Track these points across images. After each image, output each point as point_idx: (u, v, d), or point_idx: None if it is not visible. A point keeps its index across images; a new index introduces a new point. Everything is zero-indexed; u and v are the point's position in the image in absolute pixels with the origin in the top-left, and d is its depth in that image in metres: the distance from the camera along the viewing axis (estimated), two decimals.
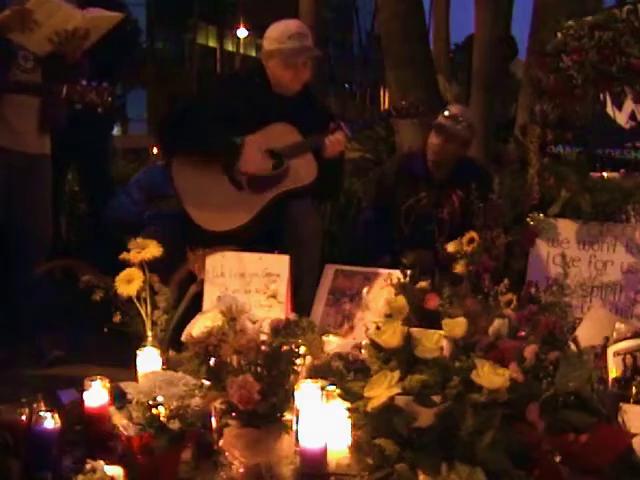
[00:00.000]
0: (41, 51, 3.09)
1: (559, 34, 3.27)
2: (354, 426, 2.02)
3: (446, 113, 3.74)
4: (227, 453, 2.13)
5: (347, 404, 2.04)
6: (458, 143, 3.71)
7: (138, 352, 2.58)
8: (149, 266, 2.69)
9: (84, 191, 4.64)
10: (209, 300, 3.02)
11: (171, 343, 2.71)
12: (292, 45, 3.24)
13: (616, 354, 2.34)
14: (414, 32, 6.58)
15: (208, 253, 3.00)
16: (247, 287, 3.06)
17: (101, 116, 3.37)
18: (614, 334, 2.45)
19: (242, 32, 31.31)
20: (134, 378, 2.51)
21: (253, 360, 2.16)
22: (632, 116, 3.31)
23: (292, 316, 2.62)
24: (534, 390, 2.07)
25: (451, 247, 3.18)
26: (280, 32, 3.29)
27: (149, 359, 2.57)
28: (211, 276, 3.06)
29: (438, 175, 3.77)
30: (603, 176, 3.31)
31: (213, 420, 2.16)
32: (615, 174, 3.32)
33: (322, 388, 2.24)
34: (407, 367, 2.00)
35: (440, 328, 2.35)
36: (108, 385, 2.33)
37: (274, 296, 2.94)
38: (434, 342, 2.05)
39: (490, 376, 1.88)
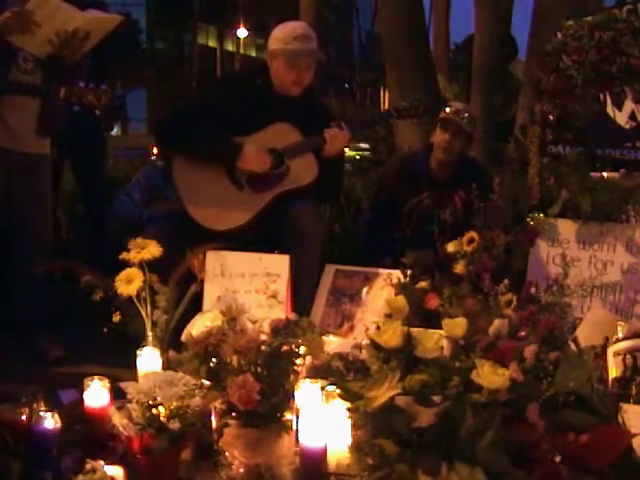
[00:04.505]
0: (41, 53, 3.09)
1: (559, 34, 3.27)
2: (354, 426, 2.02)
3: (447, 109, 3.74)
4: (227, 453, 2.14)
5: (347, 404, 2.03)
6: (464, 138, 3.71)
7: (138, 352, 2.58)
8: (149, 266, 2.69)
9: (79, 191, 4.64)
10: (209, 300, 3.03)
11: (171, 343, 2.71)
12: (297, 46, 3.24)
13: (616, 354, 2.34)
14: (414, 32, 6.57)
15: (207, 249, 3.01)
16: (247, 287, 3.06)
17: (96, 116, 3.37)
18: (614, 334, 2.45)
19: (242, 32, 31.37)
20: (134, 378, 2.51)
21: (253, 360, 2.16)
22: (632, 116, 3.31)
23: (292, 316, 2.62)
24: (534, 390, 2.07)
25: (451, 247, 3.19)
26: (286, 32, 3.29)
27: (149, 359, 2.56)
28: (211, 276, 3.06)
29: (440, 175, 3.77)
30: (603, 176, 3.30)
31: (213, 420, 2.16)
32: (615, 174, 3.32)
33: (322, 388, 2.24)
34: (407, 367, 2.00)
35: (440, 328, 2.35)
36: (108, 385, 2.33)
37: (274, 296, 2.94)
38: (434, 342, 2.05)
39: (490, 376, 1.88)
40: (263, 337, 2.32)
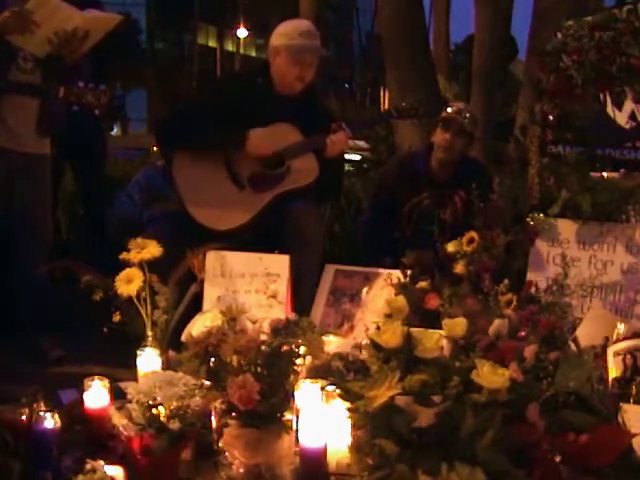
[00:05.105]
0: (40, 53, 3.09)
1: (559, 34, 3.27)
2: (354, 426, 2.02)
3: (449, 109, 3.74)
4: (227, 453, 2.13)
5: (347, 404, 2.03)
6: (465, 137, 3.70)
7: (138, 352, 2.58)
8: (149, 266, 2.69)
9: (80, 191, 4.64)
10: (209, 300, 3.03)
11: (171, 343, 2.71)
12: (301, 42, 3.25)
13: (616, 354, 2.34)
14: (414, 32, 6.58)
15: (207, 249, 3.01)
16: (247, 287, 3.06)
17: (95, 116, 3.37)
18: (614, 334, 2.45)
19: (242, 32, 31.33)
20: (134, 378, 2.51)
21: (253, 360, 2.16)
22: (632, 116, 3.31)
23: (292, 316, 2.62)
24: (534, 390, 2.07)
25: (451, 247, 3.18)
26: (290, 28, 3.30)
27: (149, 359, 2.57)
28: (211, 276, 3.06)
29: (440, 175, 3.77)
30: (603, 176, 3.30)
31: (213, 420, 2.16)
32: (615, 174, 3.32)
33: (322, 388, 2.24)
34: (407, 367, 2.00)
35: (440, 328, 2.35)
36: (108, 385, 2.33)
37: (274, 296, 2.94)
38: (434, 342, 2.05)
39: (490, 376, 1.88)
40: (263, 337, 2.32)
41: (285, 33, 3.29)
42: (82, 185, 4.46)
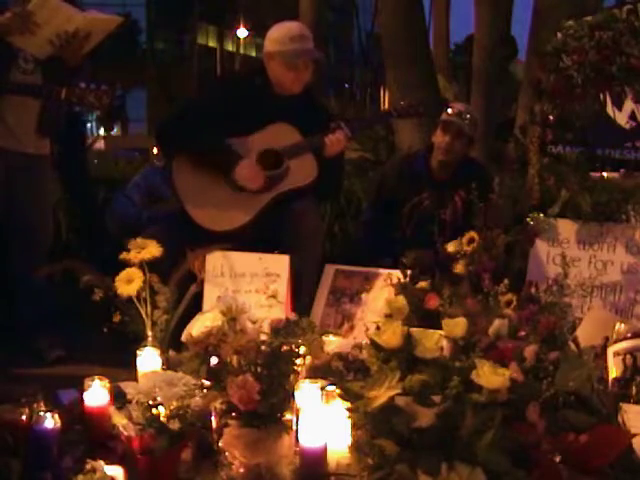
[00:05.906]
0: (41, 54, 3.09)
1: (559, 34, 3.27)
2: (354, 426, 2.02)
3: (449, 111, 3.73)
4: (227, 453, 2.13)
5: (347, 404, 2.03)
6: (465, 140, 3.69)
7: (138, 352, 2.58)
8: (149, 266, 2.69)
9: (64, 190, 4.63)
10: (209, 300, 3.03)
11: (171, 343, 2.71)
12: (294, 47, 3.24)
13: (616, 354, 2.34)
14: (414, 32, 6.59)
15: (207, 251, 3.01)
16: (247, 287, 3.06)
17: (77, 115, 3.36)
18: (614, 334, 2.45)
19: (242, 32, 31.36)
20: (134, 378, 2.51)
21: (253, 360, 2.16)
22: (632, 116, 3.31)
23: (292, 316, 2.62)
24: (534, 390, 2.07)
25: (451, 247, 3.18)
26: (282, 34, 3.29)
27: (149, 359, 2.57)
28: (211, 276, 3.06)
29: (440, 175, 3.76)
30: (603, 176, 3.31)
31: (213, 420, 2.16)
32: (615, 174, 3.32)
33: (322, 388, 2.24)
34: (407, 367, 2.00)
35: (440, 328, 2.35)
36: (108, 385, 2.33)
37: (274, 296, 2.94)
38: (434, 342, 2.05)
39: (490, 376, 1.88)
40: (263, 337, 2.32)
41: (277, 39, 3.28)
42: (68, 186, 4.45)
